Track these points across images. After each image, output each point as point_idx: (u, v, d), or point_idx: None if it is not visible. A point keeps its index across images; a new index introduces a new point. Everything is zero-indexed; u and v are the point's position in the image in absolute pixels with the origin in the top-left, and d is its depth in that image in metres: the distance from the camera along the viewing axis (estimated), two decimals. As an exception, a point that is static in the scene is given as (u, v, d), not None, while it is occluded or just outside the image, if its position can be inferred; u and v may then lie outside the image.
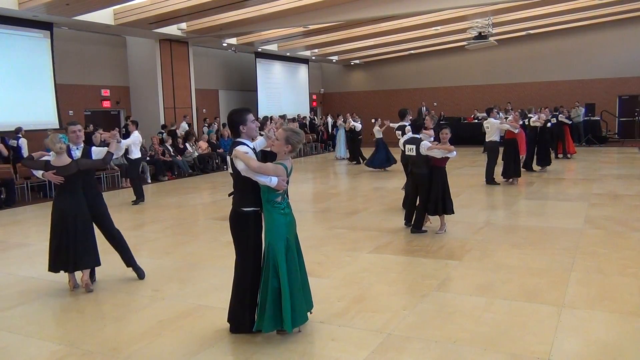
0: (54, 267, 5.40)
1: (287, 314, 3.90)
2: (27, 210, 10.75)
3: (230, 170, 4.13)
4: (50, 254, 5.43)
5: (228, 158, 4.07)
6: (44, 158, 5.45)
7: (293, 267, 4.01)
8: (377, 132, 15.14)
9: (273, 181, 3.86)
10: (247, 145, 3.97)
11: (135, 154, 10.85)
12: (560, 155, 16.22)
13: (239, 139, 4.02)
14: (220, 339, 4.14)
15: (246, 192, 3.99)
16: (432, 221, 7.67)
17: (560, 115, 16.36)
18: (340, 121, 19.05)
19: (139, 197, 10.89)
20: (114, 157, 5.68)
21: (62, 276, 5.59)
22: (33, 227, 9.15)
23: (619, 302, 4.67)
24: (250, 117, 4.05)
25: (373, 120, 16.22)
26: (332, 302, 4.78)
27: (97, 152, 5.58)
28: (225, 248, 7.11)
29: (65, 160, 5.30)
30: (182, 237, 7.85)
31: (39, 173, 5.40)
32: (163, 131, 16.56)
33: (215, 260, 6.51)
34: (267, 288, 3.96)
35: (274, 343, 4.02)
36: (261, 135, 4.25)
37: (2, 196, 11.20)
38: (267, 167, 3.88)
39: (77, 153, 5.53)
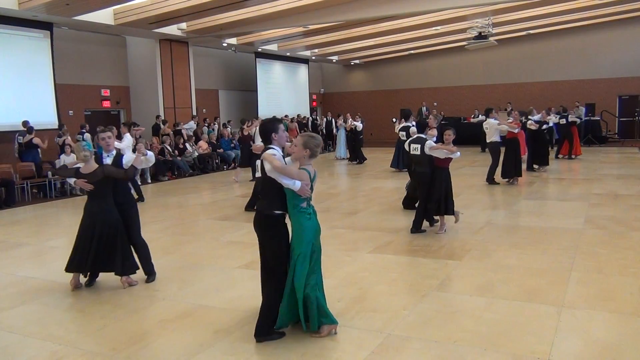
0: (69, 267, 5.44)
1: (301, 311, 4.04)
2: (27, 210, 10.75)
3: (259, 174, 4.35)
4: (71, 255, 5.46)
5: (258, 162, 4.25)
6: (76, 165, 5.56)
7: (317, 269, 4.13)
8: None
9: (297, 184, 3.96)
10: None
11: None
12: (561, 156, 16.10)
13: (270, 146, 4.16)
14: (220, 339, 4.14)
15: (274, 195, 4.08)
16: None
17: (570, 115, 16.27)
18: (340, 121, 19.03)
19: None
20: (139, 167, 5.64)
21: (63, 276, 5.59)
22: (33, 227, 9.14)
23: (619, 302, 4.67)
24: (282, 127, 4.26)
25: (394, 120, 15.71)
26: (332, 302, 4.76)
27: (127, 161, 5.56)
28: (225, 248, 7.11)
29: (93, 166, 5.38)
30: (182, 237, 7.85)
31: (71, 180, 5.55)
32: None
33: (215, 260, 6.51)
34: (288, 290, 4.06)
35: (274, 343, 4.02)
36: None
37: (2, 196, 11.20)
38: (290, 170, 3.99)
39: (108, 160, 5.57)
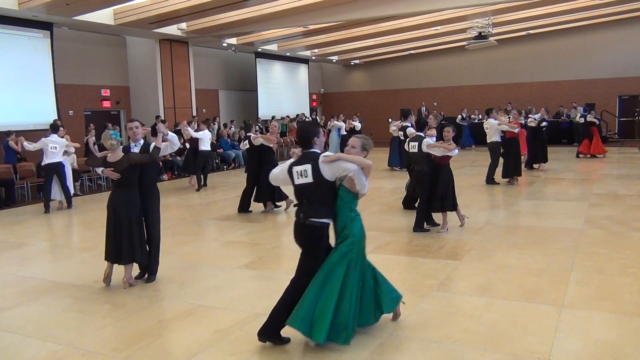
0: (105, 255, 5.53)
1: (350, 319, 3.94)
2: (27, 210, 10.74)
3: (305, 180, 3.97)
4: (105, 244, 5.55)
5: (298, 169, 3.99)
6: (103, 154, 5.62)
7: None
8: (395, 131, 14.76)
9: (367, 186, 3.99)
10: None
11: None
12: (581, 155, 16.05)
13: (313, 150, 4.06)
14: (220, 339, 4.14)
15: (327, 202, 4.00)
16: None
17: (589, 115, 16.25)
18: (333, 122, 18.65)
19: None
20: (164, 152, 5.68)
21: (63, 276, 5.60)
22: (33, 227, 9.14)
23: (619, 302, 4.67)
24: (322, 131, 4.28)
25: (390, 120, 15.64)
26: (332, 302, 4.77)
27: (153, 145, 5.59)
28: (225, 248, 7.12)
29: (119, 155, 5.41)
30: (182, 237, 7.84)
31: (99, 170, 5.57)
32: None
33: (215, 260, 6.51)
34: (361, 292, 4.07)
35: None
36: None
37: (2, 196, 11.20)
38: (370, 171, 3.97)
39: (136, 150, 5.59)
